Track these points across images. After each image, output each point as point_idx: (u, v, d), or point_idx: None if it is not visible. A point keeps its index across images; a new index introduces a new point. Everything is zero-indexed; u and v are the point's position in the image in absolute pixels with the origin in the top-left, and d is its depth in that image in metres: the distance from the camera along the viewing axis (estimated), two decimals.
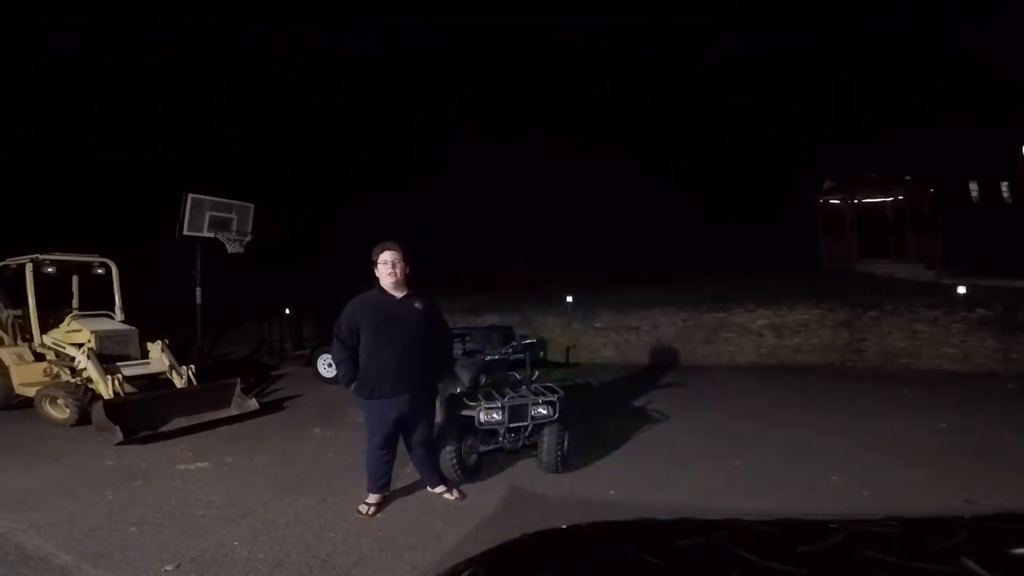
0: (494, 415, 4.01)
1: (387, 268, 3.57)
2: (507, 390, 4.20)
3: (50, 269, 7.21)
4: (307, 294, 12.53)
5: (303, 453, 5.10)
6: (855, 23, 18.20)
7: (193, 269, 8.98)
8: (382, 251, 3.59)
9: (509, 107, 19.30)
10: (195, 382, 6.73)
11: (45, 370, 6.82)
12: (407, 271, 3.64)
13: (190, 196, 8.45)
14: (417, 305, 3.63)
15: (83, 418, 5.84)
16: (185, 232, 8.46)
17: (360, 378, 3.59)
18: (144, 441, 5.38)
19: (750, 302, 9.73)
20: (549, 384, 4.45)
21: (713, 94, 19.33)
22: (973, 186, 18.27)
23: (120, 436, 5.24)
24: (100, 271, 7.71)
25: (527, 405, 4.09)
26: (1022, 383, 7.09)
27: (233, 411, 6.39)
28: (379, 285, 3.65)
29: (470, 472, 4.13)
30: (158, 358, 6.86)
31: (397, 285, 3.61)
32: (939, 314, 8.54)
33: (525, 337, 5.55)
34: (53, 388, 6.34)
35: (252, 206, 9.34)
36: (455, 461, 3.96)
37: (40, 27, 16.38)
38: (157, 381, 6.78)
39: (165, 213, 8.91)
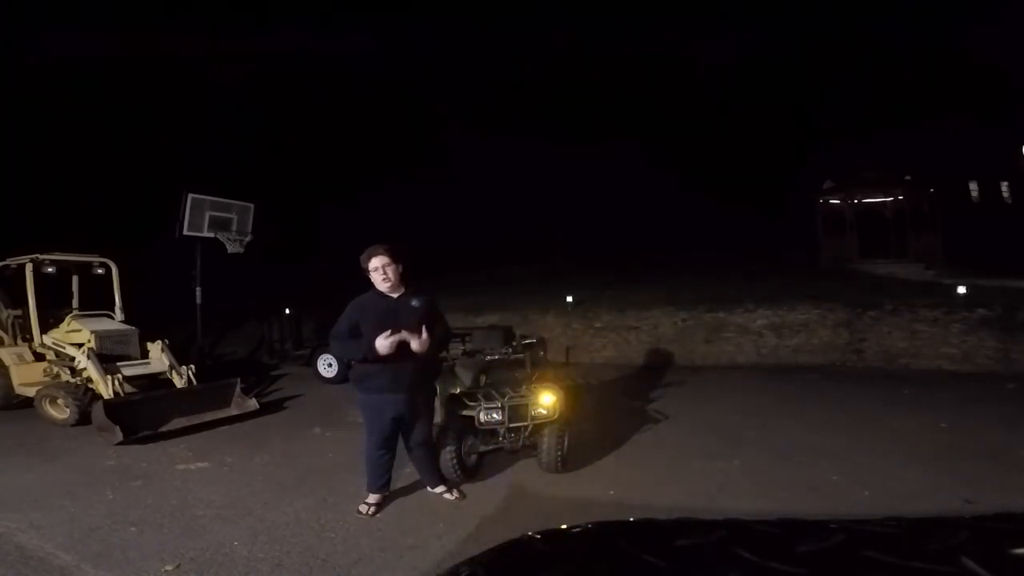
0: (494, 415, 4.01)
1: (379, 275, 3.54)
2: (507, 390, 4.20)
3: (50, 269, 7.20)
4: (307, 294, 12.53)
5: (303, 453, 5.10)
6: (855, 23, 18.20)
7: (193, 269, 8.98)
8: (370, 258, 3.53)
9: (511, 106, 19.29)
10: (195, 382, 6.72)
11: (45, 370, 6.82)
12: (400, 271, 3.60)
13: (190, 196, 8.46)
14: (414, 303, 3.62)
15: (83, 418, 5.83)
16: (185, 232, 8.47)
17: (360, 372, 3.61)
18: (144, 441, 5.38)
19: (750, 302, 9.73)
20: (549, 384, 4.45)
21: (714, 94, 19.34)
22: (973, 186, 18.27)
23: (120, 436, 5.23)
24: (100, 271, 7.71)
25: (527, 405, 4.09)
26: (1022, 383, 7.08)
27: (233, 411, 6.38)
28: (375, 287, 3.64)
29: (470, 472, 4.13)
30: (158, 358, 6.86)
31: (393, 288, 3.60)
32: (939, 314, 8.54)
33: (525, 337, 5.54)
34: (53, 388, 6.33)
35: (252, 206, 9.34)
36: (455, 461, 3.95)
37: (41, 26, 16.39)
38: (157, 381, 6.77)
39: (165, 213, 8.92)
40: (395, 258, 3.55)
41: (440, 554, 3.04)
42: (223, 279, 9.99)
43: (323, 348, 8.69)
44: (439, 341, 3.75)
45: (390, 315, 3.55)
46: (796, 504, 3.66)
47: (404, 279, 3.66)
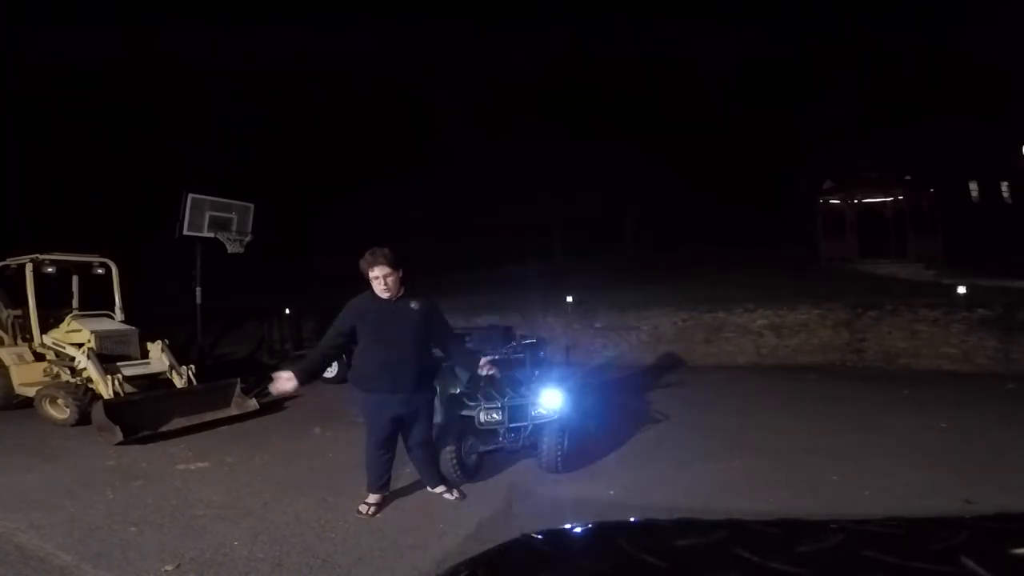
0: (494, 415, 4.01)
1: (379, 284, 3.53)
2: (507, 390, 4.20)
3: (50, 269, 7.20)
4: (307, 294, 12.52)
5: (303, 453, 5.09)
6: (855, 23, 18.21)
7: (193, 269, 8.98)
8: (370, 266, 3.51)
9: (511, 106, 19.29)
10: (195, 382, 6.72)
11: (45, 370, 6.82)
12: (401, 275, 3.58)
13: (190, 196, 8.45)
14: (413, 305, 3.61)
15: (83, 418, 5.83)
16: (185, 232, 8.46)
17: (359, 372, 3.62)
18: (144, 441, 5.37)
19: (750, 302, 9.73)
20: (549, 384, 4.45)
21: (714, 94, 19.33)
22: (973, 186, 18.26)
23: (120, 436, 5.23)
24: (100, 271, 7.70)
25: (527, 405, 4.09)
26: (1022, 383, 7.09)
27: (233, 411, 6.38)
28: (372, 289, 3.64)
29: (470, 472, 4.13)
30: (158, 358, 6.85)
31: (392, 295, 3.58)
32: (939, 314, 8.54)
33: (525, 337, 5.55)
34: (53, 388, 6.33)
35: (252, 206, 9.33)
36: (455, 461, 3.96)
37: (40, 26, 16.39)
38: (157, 381, 6.77)
39: (165, 213, 8.92)
40: (395, 266, 3.52)
41: (440, 554, 3.04)
42: (223, 279, 9.98)
43: None
44: (463, 350, 3.96)
45: (389, 317, 3.55)
46: (796, 504, 3.66)
47: (404, 281, 3.65)
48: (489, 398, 4.08)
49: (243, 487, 4.20)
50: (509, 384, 4.31)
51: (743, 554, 0.79)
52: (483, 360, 3.79)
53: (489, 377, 4.19)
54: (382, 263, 3.49)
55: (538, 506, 3.77)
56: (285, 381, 3.43)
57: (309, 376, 3.61)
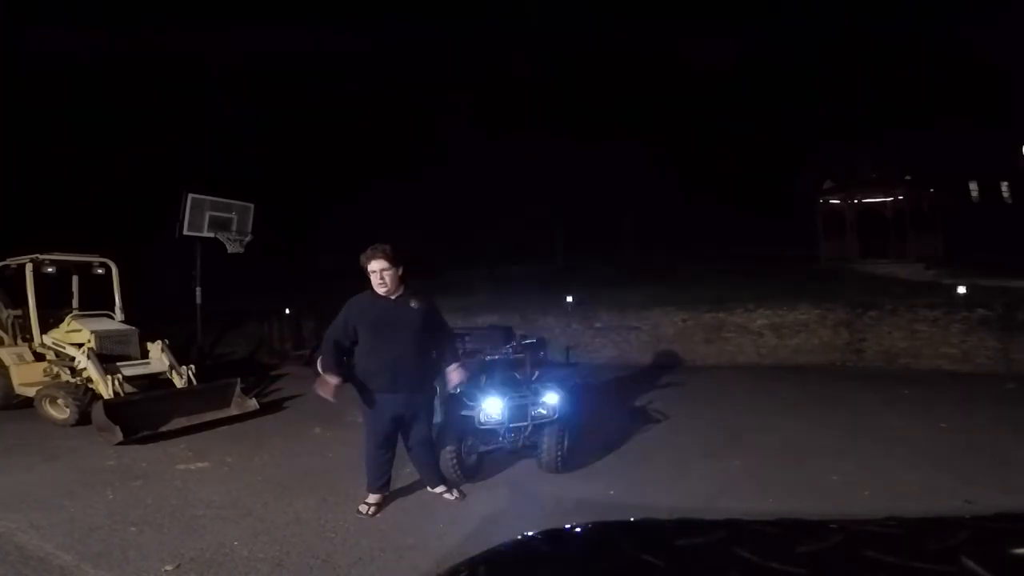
0: (494, 415, 4.01)
1: (376, 278, 3.55)
2: (507, 390, 4.19)
3: (50, 269, 7.20)
4: (307, 294, 12.52)
5: (303, 453, 5.10)
6: (856, 23, 18.21)
7: (193, 269, 8.98)
8: (369, 260, 3.53)
9: (511, 106, 19.27)
10: (195, 382, 6.72)
11: (45, 370, 6.82)
12: (399, 274, 3.59)
13: (190, 196, 8.45)
14: (413, 304, 3.62)
15: (83, 418, 5.83)
16: (185, 232, 8.46)
17: (359, 371, 3.62)
18: (144, 441, 5.38)
19: (750, 302, 9.73)
20: (549, 384, 4.45)
21: (714, 94, 19.32)
22: (973, 186, 18.27)
23: (120, 436, 5.23)
24: (100, 271, 7.71)
25: (527, 405, 4.09)
26: (1022, 383, 7.09)
27: (233, 411, 6.39)
28: (372, 287, 3.64)
29: (470, 472, 4.13)
30: (158, 358, 6.86)
31: (390, 292, 3.59)
32: (939, 314, 8.54)
33: (525, 337, 5.55)
34: (53, 388, 6.33)
35: (252, 206, 9.33)
36: (455, 461, 3.95)
37: (40, 25, 16.38)
38: (157, 381, 6.78)
39: (165, 213, 8.92)
40: (394, 262, 3.53)
41: (440, 554, 3.04)
42: (223, 279, 9.98)
43: None
44: (454, 351, 3.91)
45: (389, 316, 3.56)
46: (796, 504, 3.66)
47: (404, 279, 3.65)
48: (489, 398, 4.08)
49: (243, 487, 4.21)
50: (509, 384, 4.31)
51: (743, 554, 0.79)
52: (450, 368, 3.77)
53: (489, 376, 4.19)
54: (380, 258, 3.51)
55: (538, 506, 3.77)
56: (332, 380, 3.48)
57: (342, 368, 3.62)
